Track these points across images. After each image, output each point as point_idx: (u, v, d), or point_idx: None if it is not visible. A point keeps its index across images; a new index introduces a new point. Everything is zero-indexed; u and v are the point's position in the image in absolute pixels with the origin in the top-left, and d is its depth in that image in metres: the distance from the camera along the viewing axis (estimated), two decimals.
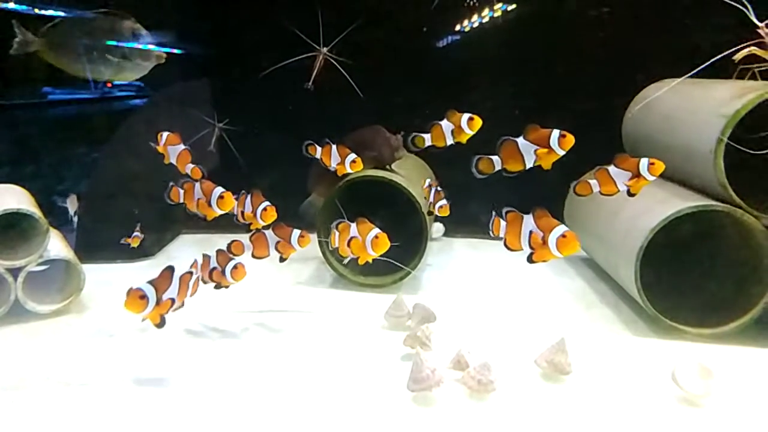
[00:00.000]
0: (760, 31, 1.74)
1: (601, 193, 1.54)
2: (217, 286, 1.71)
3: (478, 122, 1.66)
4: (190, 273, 1.50)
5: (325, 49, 2.07)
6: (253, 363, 1.64)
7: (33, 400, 1.44)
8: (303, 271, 2.36)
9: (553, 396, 1.47)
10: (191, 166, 1.70)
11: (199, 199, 1.67)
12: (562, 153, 1.45)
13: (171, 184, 1.73)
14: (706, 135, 1.77)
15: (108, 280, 2.16)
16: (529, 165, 1.50)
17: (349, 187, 2.12)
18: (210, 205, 1.63)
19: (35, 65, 2.98)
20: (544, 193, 2.41)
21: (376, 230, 1.60)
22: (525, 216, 1.44)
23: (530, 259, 1.43)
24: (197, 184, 1.68)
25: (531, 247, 1.42)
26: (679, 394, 1.44)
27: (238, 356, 1.68)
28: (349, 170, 1.91)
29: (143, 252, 2.47)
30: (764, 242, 1.74)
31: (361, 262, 1.64)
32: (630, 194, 1.50)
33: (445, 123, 1.68)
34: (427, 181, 1.98)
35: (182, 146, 1.70)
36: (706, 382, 1.42)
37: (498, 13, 2.80)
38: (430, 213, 1.96)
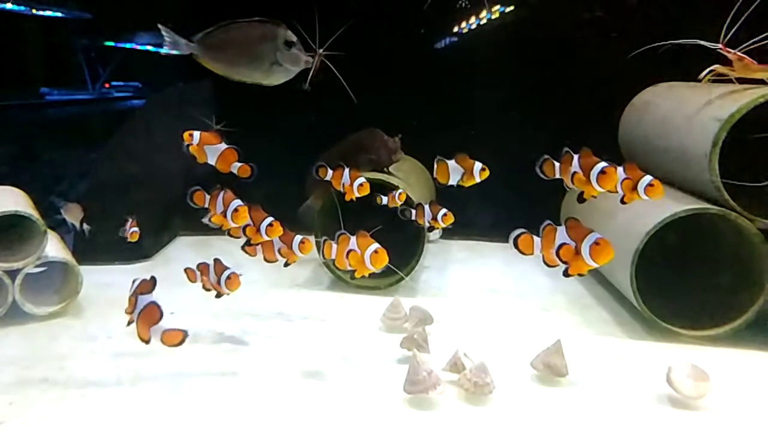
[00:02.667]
0: (721, 51, 1.77)
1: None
2: (218, 295, 1.70)
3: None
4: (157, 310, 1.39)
5: (321, 50, 2.07)
6: (250, 365, 1.64)
7: (31, 402, 1.44)
8: (300, 273, 2.36)
9: (550, 398, 1.48)
10: (238, 164, 1.61)
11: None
12: (600, 189, 1.41)
13: (196, 187, 1.69)
14: (701, 138, 1.78)
15: (106, 283, 2.16)
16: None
17: None
18: (226, 216, 1.61)
19: (33, 66, 2.99)
20: (541, 196, 2.44)
21: (376, 245, 1.56)
22: (559, 228, 1.38)
23: (566, 273, 1.36)
24: (221, 193, 1.64)
25: (562, 260, 1.35)
26: (674, 396, 1.45)
27: (235, 358, 1.69)
28: (357, 194, 1.83)
29: (141, 254, 2.48)
30: (759, 245, 1.75)
31: (357, 275, 1.59)
32: (622, 201, 1.47)
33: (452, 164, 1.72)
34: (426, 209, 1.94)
35: (224, 145, 1.61)
36: (700, 385, 1.42)
37: (495, 15, 2.81)
38: (431, 228, 1.94)
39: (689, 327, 1.81)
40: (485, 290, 2.25)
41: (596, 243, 1.29)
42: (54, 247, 1.98)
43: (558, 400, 1.47)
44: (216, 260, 1.69)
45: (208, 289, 1.71)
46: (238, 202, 1.60)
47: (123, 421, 1.37)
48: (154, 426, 1.35)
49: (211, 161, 1.63)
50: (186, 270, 1.74)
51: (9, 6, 2.89)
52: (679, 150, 1.91)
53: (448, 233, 2.82)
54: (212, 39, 1.66)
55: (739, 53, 1.76)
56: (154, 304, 1.38)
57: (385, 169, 2.28)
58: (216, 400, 1.46)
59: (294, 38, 1.61)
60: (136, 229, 2.03)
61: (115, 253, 2.35)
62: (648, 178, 1.35)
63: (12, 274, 1.88)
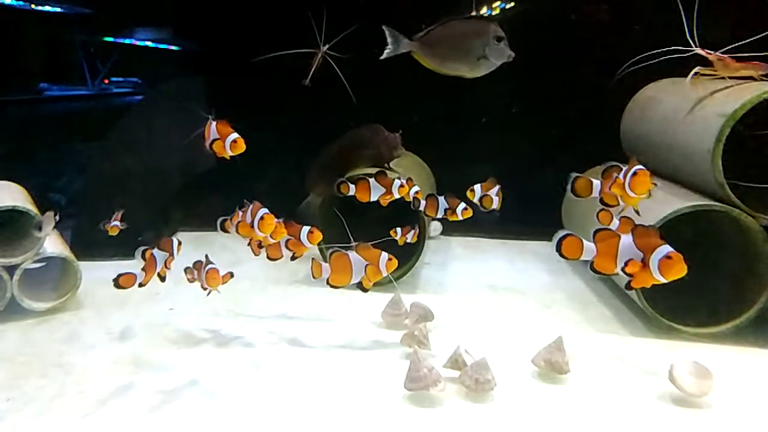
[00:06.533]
0: (699, 53, 1.78)
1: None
2: (209, 292, 1.67)
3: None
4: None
5: (324, 48, 2.06)
6: (249, 361, 1.64)
7: (29, 398, 1.44)
8: (300, 269, 2.34)
9: (551, 395, 1.47)
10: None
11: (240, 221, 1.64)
12: (632, 195, 1.36)
13: (247, 198, 1.66)
14: (704, 134, 1.76)
15: (104, 278, 2.13)
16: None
17: None
18: (252, 226, 1.59)
19: (32, 61, 2.98)
20: (541, 193, 2.43)
21: (385, 254, 1.56)
22: (623, 236, 1.28)
23: (628, 286, 1.28)
24: (250, 206, 1.62)
25: (626, 273, 1.26)
26: (676, 393, 1.44)
27: (235, 355, 1.68)
28: (396, 195, 1.84)
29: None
30: (761, 242, 1.74)
31: (367, 286, 1.59)
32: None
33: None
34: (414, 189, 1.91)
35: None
36: (703, 382, 1.42)
37: (496, 11, 2.80)
38: (443, 218, 1.93)
39: (691, 324, 1.80)
40: (486, 287, 2.24)
41: (667, 257, 1.19)
42: (52, 243, 1.97)
43: (559, 398, 1.46)
44: (206, 257, 1.67)
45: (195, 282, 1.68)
46: (264, 210, 1.59)
47: (122, 417, 1.36)
48: (152, 422, 1.34)
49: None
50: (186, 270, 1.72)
51: (8, 1, 2.87)
52: (682, 146, 1.90)
53: (448, 230, 2.82)
54: (431, 36, 1.73)
55: (718, 54, 1.76)
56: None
57: (386, 165, 2.26)
58: (215, 398, 1.45)
59: (503, 34, 1.68)
60: (117, 223, 1.99)
61: (113, 248, 2.34)
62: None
63: (10, 269, 1.87)
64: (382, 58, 1.73)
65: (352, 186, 1.85)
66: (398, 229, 2.01)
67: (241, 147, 1.53)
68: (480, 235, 2.81)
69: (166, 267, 1.60)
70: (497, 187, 1.81)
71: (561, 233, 1.36)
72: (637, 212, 1.43)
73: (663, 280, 1.22)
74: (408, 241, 2.02)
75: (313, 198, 2.43)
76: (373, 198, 1.85)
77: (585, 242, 1.34)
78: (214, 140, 1.54)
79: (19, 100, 3.02)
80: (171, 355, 1.67)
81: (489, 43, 1.67)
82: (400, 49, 1.73)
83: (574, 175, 1.50)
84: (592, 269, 1.34)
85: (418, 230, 2.04)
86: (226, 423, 1.34)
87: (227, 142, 1.52)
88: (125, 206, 2.05)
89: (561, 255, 1.36)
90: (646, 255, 1.22)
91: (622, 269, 1.26)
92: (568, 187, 1.51)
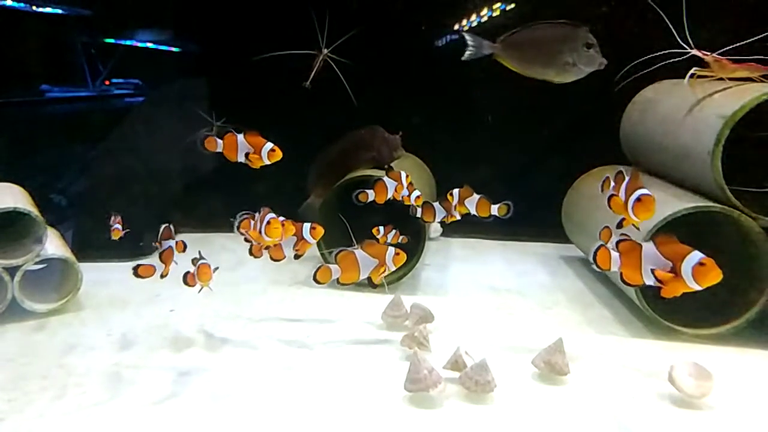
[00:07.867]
0: (696, 54, 1.78)
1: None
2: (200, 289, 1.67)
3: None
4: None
5: (326, 50, 2.07)
6: (250, 362, 1.64)
7: (30, 399, 1.44)
8: (301, 271, 2.35)
9: (551, 397, 1.47)
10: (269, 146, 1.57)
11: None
12: (635, 219, 1.36)
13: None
14: (704, 136, 1.77)
15: (105, 280, 2.15)
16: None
17: (348, 188, 2.11)
18: (260, 232, 1.59)
19: (33, 63, 2.99)
20: (542, 194, 2.43)
21: (392, 249, 1.58)
22: (645, 244, 1.28)
23: (659, 296, 1.27)
24: (257, 215, 1.62)
25: (658, 281, 1.26)
26: (675, 394, 1.45)
27: (235, 356, 1.68)
28: (413, 203, 1.83)
29: (140, 251, 2.47)
30: (761, 243, 1.74)
31: (377, 282, 1.61)
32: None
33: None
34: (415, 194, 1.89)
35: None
36: (703, 384, 1.42)
37: (496, 13, 2.80)
38: (442, 223, 1.93)
39: (691, 325, 1.80)
40: (486, 288, 2.24)
41: (701, 264, 1.18)
42: (54, 244, 1.98)
43: (559, 399, 1.46)
44: (198, 253, 1.67)
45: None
46: (271, 215, 1.59)
47: (122, 418, 1.36)
48: (154, 423, 1.35)
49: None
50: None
51: (9, 3, 2.88)
52: (681, 148, 1.90)
53: (448, 231, 2.83)
54: (515, 39, 1.73)
55: (714, 55, 1.77)
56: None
57: (387, 167, 2.27)
58: (216, 398, 1.45)
59: (593, 40, 1.66)
60: (118, 226, 1.98)
61: (114, 250, 2.34)
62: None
63: (11, 271, 1.87)
64: (463, 59, 1.73)
65: (370, 192, 1.82)
66: (380, 228, 2.01)
67: (279, 155, 1.53)
68: (480, 236, 2.81)
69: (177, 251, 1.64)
70: (477, 196, 1.78)
71: (597, 244, 1.35)
72: (637, 227, 1.43)
73: (698, 288, 1.20)
74: (388, 241, 2.02)
75: (313, 200, 2.44)
76: (389, 194, 1.83)
77: (613, 253, 1.33)
78: (247, 152, 1.53)
79: (20, 102, 3.02)
80: (172, 356, 1.67)
81: (578, 49, 1.65)
82: (483, 51, 1.73)
83: (609, 192, 1.47)
84: (623, 281, 1.34)
85: (412, 236, 2.03)
86: (227, 424, 1.34)
87: (264, 152, 1.52)
88: (125, 208, 2.05)
89: (598, 267, 1.36)
90: (676, 263, 1.20)
91: (653, 279, 1.25)
92: (605, 200, 1.49)
